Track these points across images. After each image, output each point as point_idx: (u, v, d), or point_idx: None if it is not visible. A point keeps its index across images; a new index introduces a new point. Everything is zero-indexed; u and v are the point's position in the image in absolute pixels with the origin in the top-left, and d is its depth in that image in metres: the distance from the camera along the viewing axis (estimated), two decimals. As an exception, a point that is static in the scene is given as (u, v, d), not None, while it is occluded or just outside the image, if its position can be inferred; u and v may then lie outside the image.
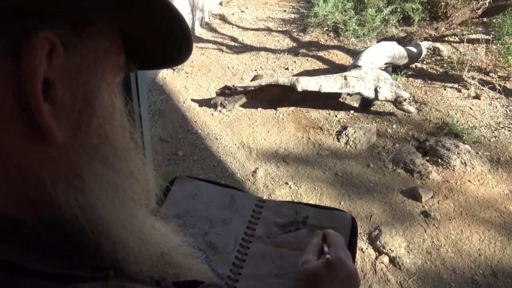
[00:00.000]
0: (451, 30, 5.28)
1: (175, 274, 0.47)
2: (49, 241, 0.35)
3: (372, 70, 3.86)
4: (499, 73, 4.47)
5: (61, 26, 0.34)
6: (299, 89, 3.73)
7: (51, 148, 0.35)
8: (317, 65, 4.86)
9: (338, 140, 3.63)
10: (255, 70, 4.76)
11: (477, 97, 4.16)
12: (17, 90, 0.32)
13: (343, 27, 5.33)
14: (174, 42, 0.43)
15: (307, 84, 3.75)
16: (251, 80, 4.31)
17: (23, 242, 0.33)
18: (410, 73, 4.50)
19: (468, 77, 4.42)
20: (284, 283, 0.77)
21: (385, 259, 2.56)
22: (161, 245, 0.47)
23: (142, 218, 0.43)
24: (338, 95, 4.02)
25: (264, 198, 0.95)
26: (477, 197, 3.02)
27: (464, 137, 3.58)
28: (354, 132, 3.63)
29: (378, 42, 4.75)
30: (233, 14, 6.21)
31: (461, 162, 3.24)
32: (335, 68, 4.64)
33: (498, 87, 4.16)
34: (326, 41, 5.35)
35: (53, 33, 0.33)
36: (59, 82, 0.34)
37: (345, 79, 3.80)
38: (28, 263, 0.31)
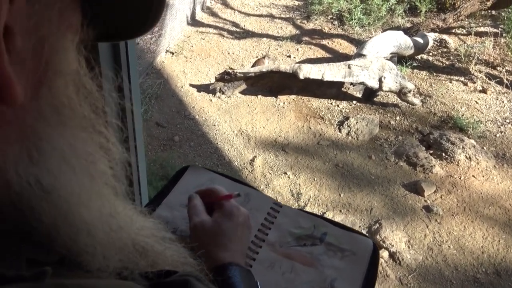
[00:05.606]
0: (459, 22, 5.14)
1: (149, 263, 0.40)
2: None
3: (377, 60, 3.74)
4: (507, 67, 4.35)
5: None
6: (301, 76, 3.62)
7: (7, 107, 0.27)
8: (320, 53, 4.73)
9: (340, 131, 3.52)
10: (256, 56, 4.63)
11: (484, 91, 4.05)
12: None
13: (347, 16, 5.19)
14: (144, 11, 0.36)
15: (309, 71, 3.63)
16: (252, 66, 4.19)
17: None
18: (415, 64, 4.38)
19: (475, 70, 4.30)
20: None
21: (385, 254, 2.48)
22: (131, 231, 0.38)
23: (110, 199, 0.35)
24: (341, 84, 3.91)
25: (282, 203, 0.88)
26: (481, 193, 2.93)
27: (469, 132, 3.48)
28: (356, 122, 3.52)
29: (383, 32, 4.62)
30: (235, -1, 6.07)
31: (466, 157, 3.14)
32: (338, 57, 4.51)
33: (506, 82, 4.05)
34: (330, 29, 5.22)
35: None
36: (18, 30, 0.27)
37: (349, 67, 3.68)
38: None
